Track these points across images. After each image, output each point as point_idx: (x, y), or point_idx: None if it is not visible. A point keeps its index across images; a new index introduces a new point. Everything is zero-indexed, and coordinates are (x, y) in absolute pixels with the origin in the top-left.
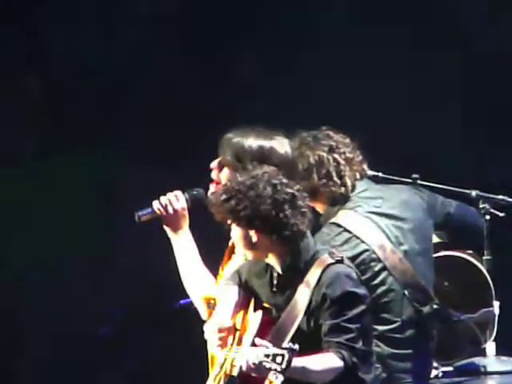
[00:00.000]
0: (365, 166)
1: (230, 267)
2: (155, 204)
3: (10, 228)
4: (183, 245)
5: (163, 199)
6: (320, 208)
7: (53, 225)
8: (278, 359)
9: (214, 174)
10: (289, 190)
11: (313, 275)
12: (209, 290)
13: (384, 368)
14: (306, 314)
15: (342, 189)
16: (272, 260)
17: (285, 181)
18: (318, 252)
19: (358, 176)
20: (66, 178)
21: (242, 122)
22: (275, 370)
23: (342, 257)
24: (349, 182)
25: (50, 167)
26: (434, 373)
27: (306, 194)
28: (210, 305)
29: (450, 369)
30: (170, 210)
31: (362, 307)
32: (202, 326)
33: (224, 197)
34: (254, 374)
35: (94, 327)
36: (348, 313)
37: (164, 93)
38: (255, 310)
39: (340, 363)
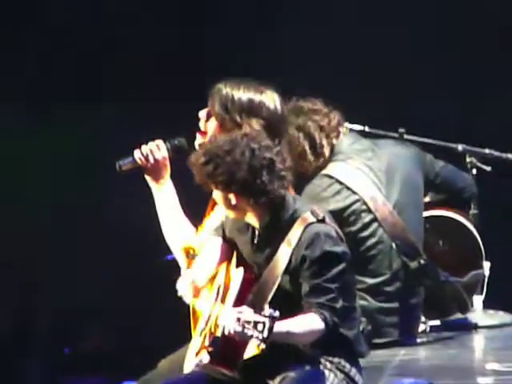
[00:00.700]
0: (342, 127)
1: (212, 218)
2: (136, 153)
3: None
4: (164, 195)
5: (144, 148)
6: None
7: (39, 180)
8: (260, 327)
9: (201, 124)
10: (267, 155)
11: (294, 234)
12: (189, 240)
13: (370, 322)
14: (286, 273)
15: (321, 159)
16: (252, 219)
17: (264, 143)
18: (297, 210)
19: (334, 141)
20: (52, 133)
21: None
22: (257, 337)
23: (323, 216)
24: (326, 151)
25: (38, 123)
26: (421, 327)
27: (286, 155)
28: (190, 255)
29: (438, 323)
30: (151, 160)
31: (342, 265)
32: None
33: (203, 160)
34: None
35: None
36: (327, 273)
37: (151, 47)
38: (238, 265)
39: (322, 324)
